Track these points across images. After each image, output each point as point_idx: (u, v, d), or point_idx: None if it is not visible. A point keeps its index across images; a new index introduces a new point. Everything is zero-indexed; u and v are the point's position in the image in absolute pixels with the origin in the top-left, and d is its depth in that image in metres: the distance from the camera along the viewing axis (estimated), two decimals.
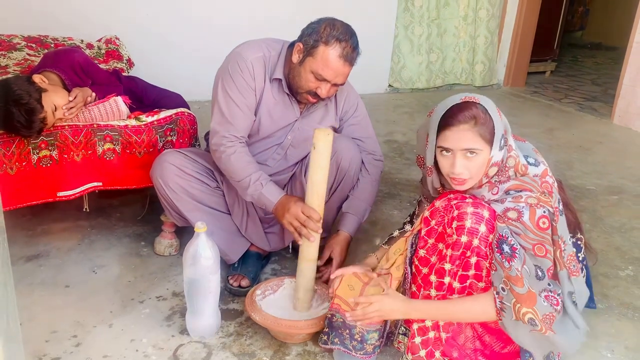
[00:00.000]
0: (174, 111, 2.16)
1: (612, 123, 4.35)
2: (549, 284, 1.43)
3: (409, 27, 5.04)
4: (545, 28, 5.54)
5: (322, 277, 1.92)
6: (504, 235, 1.39)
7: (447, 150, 1.44)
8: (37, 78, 1.94)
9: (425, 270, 1.53)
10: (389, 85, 5.04)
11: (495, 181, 1.46)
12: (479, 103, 1.43)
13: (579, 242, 1.66)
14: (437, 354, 1.53)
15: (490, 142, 1.42)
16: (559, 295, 1.44)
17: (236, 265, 2.03)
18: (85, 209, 2.17)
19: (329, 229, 2.12)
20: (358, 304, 1.57)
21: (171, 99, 2.34)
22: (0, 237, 0.86)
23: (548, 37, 5.83)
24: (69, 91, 2.00)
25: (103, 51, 3.17)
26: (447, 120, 1.43)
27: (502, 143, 1.43)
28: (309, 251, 1.74)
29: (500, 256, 1.39)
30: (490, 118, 1.41)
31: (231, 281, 1.96)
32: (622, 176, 3.25)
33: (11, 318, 0.91)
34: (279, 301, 1.81)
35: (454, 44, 5.29)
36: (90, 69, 2.15)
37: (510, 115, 4.47)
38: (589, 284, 1.72)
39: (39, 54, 2.93)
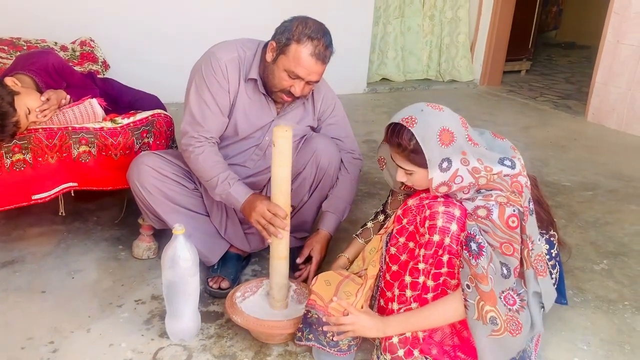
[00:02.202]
0: (150, 113, 2.14)
1: (586, 120, 4.43)
2: (513, 283, 1.44)
3: (384, 26, 5.11)
4: (519, 28, 5.62)
5: (302, 276, 1.92)
6: (472, 233, 1.41)
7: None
8: (9, 81, 1.90)
9: (394, 267, 1.55)
10: (367, 85, 5.07)
11: (462, 193, 1.47)
12: (410, 129, 1.41)
13: (552, 239, 1.69)
14: (416, 352, 1.53)
15: (423, 165, 1.43)
16: (518, 295, 1.45)
17: (216, 267, 2.01)
18: (61, 212, 2.13)
19: (309, 228, 2.12)
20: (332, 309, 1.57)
21: (147, 101, 2.32)
22: None
23: (523, 36, 5.91)
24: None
25: (78, 53, 3.12)
26: (385, 135, 1.50)
27: (446, 165, 1.42)
28: (279, 249, 1.73)
29: (467, 254, 1.40)
30: (419, 147, 1.41)
31: (211, 283, 1.95)
32: (596, 172, 3.31)
33: None
34: (259, 302, 1.81)
35: (429, 42, 5.41)
36: (64, 72, 2.12)
37: (486, 113, 4.56)
38: (561, 279, 1.76)
39: (11, 56, 2.87)
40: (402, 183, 1.62)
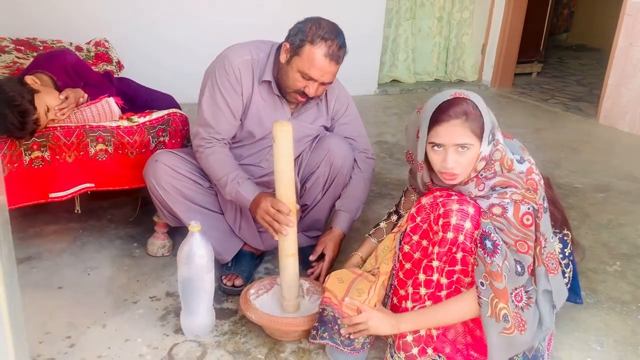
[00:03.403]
0: (166, 112, 2.17)
1: (598, 123, 4.41)
2: (526, 281, 1.45)
3: (395, 28, 5.14)
4: (531, 30, 5.62)
5: (314, 273, 1.94)
6: (487, 231, 1.41)
7: (438, 145, 1.46)
8: (29, 79, 1.93)
9: (408, 265, 1.55)
10: (378, 86, 5.09)
11: (482, 176, 1.48)
12: (468, 99, 1.45)
13: (565, 238, 1.69)
14: (430, 350, 1.54)
15: (480, 136, 1.44)
16: (526, 292, 1.46)
17: (229, 264, 2.03)
18: (77, 210, 2.16)
19: (323, 226, 2.13)
20: (347, 306, 1.58)
21: (163, 100, 2.34)
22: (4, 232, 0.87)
23: (534, 39, 5.90)
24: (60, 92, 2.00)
25: (92, 54, 3.15)
26: (438, 116, 1.45)
27: (491, 138, 1.46)
28: (285, 246, 1.73)
29: (482, 252, 1.41)
30: (480, 113, 1.44)
31: (225, 281, 1.97)
32: (609, 174, 3.30)
33: (17, 313, 0.92)
34: (273, 300, 1.82)
35: (437, 44, 5.47)
36: (82, 71, 2.15)
37: (498, 115, 4.45)
38: (575, 279, 1.76)
39: (28, 56, 2.91)
40: (427, 185, 1.61)
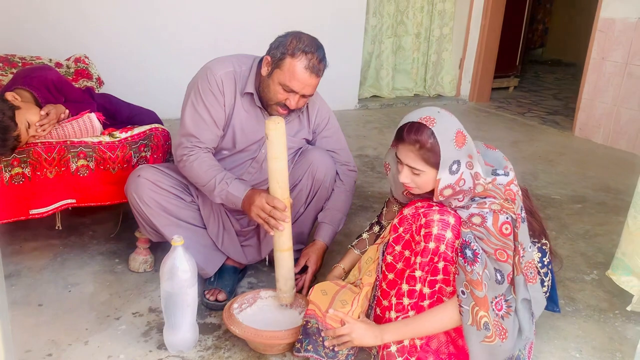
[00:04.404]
0: (147, 127, 2.17)
1: (574, 135, 4.52)
2: (505, 290, 1.48)
3: (379, 44, 5.23)
4: (507, 46, 5.76)
5: (297, 285, 1.94)
6: (467, 240, 1.44)
7: (398, 159, 1.53)
8: (9, 96, 1.93)
9: (391, 276, 1.58)
10: (359, 101, 5.15)
11: (456, 200, 1.51)
12: (429, 128, 1.46)
13: (543, 247, 1.72)
14: None
15: (435, 165, 1.47)
16: (506, 301, 1.49)
17: (212, 279, 2.03)
18: (58, 227, 2.14)
19: (306, 239, 2.15)
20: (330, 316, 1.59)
21: (145, 116, 2.35)
22: None
23: (510, 54, 6.05)
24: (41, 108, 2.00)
25: (72, 70, 3.14)
26: (400, 135, 1.50)
27: (455, 168, 1.46)
28: (281, 241, 1.76)
29: (462, 260, 1.44)
30: (437, 145, 1.45)
31: (208, 295, 1.96)
32: (585, 185, 3.38)
33: (6, 329, 0.92)
34: (256, 314, 1.82)
35: (416, 59, 5.56)
36: (63, 87, 2.15)
37: (476, 129, 4.63)
38: (553, 287, 1.79)
39: (7, 73, 2.89)
40: (406, 190, 1.64)
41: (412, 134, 1.47)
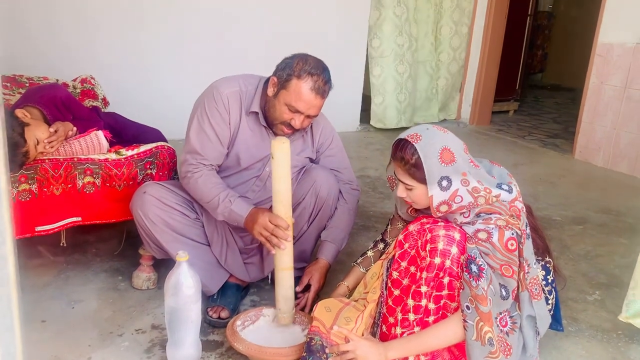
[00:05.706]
0: (153, 145, 2.20)
1: (574, 158, 4.55)
2: (510, 305, 1.49)
3: (380, 68, 5.27)
4: (507, 70, 5.82)
5: (300, 304, 1.95)
6: (472, 255, 1.46)
7: (394, 174, 1.59)
8: (19, 112, 1.96)
9: (396, 292, 1.58)
10: (360, 123, 5.19)
11: (462, 217, 1.53)
12: (414, 144, 1.49)
13: (547, 265, 1.74)
14: None
15: (423, 181, 1.50)
16: (510, 317, 1.50)
17: (215, 296, 2.03)
18: (63, 243, 2.15)
19: (309, 258, 2.15)
20: (335, 333, 1.59)
21: (150, 134, 2.37)
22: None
23: (510, 78, 6.12)
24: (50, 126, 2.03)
25: (78, 90, 3.19)
26: (392, 151, 1.57)
27: (445, 184, 1.47)
28: (283, 260, 1.77)
29: (468, 275, 1.45)
30: (420, 162, 1.48)
31: (210, 312, 1.97)
32: (586, 207, 3.39)
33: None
34: (259, 331, 1.82)
35: (421, 84, 5.58)
36: (71, 105, 2.19)
37: (477, 152, 4.65)
38: (557, 306, 1.79)
39: (14, 93, 2.94)
40: (410, 205, 1.67)
41: (397, 151, 1.53)
